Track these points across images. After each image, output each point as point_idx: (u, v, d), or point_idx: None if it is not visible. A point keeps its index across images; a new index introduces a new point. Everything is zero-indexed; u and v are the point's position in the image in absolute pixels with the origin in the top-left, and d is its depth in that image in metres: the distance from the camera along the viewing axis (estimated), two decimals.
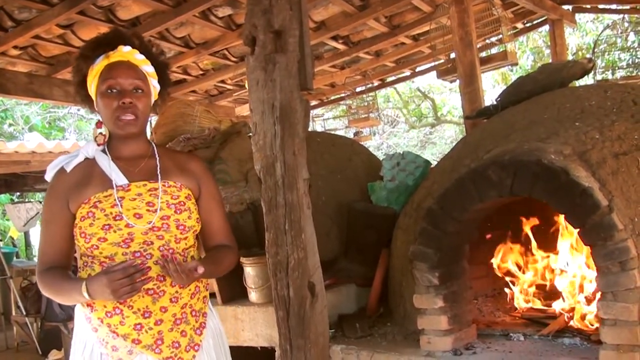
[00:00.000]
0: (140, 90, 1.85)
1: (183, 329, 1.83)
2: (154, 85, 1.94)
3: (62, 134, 13.69)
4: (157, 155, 1.94)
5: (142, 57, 1.90)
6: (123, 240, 1.77)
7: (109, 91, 1.83)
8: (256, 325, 3.25)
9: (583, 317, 2.69)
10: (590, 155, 2.52)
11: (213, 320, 1.99)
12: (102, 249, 1.78)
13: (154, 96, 1.96)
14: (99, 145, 1.90)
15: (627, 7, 6.77)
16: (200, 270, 1.71)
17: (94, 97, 1.90)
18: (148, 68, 1.91)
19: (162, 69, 1.98)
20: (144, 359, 1.79)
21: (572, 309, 2.78)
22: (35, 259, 10.98)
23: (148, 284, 1.75)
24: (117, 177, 1.85)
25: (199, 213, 1.95)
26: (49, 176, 1.92)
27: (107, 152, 1.90)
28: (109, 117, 1.85)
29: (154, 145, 1.98)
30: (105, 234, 1.76)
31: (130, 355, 1.78)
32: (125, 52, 1.86)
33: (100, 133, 1.90)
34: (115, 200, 1.81)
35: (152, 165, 1.91)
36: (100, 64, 1.85)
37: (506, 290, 3.16)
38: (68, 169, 1.88)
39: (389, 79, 8.38)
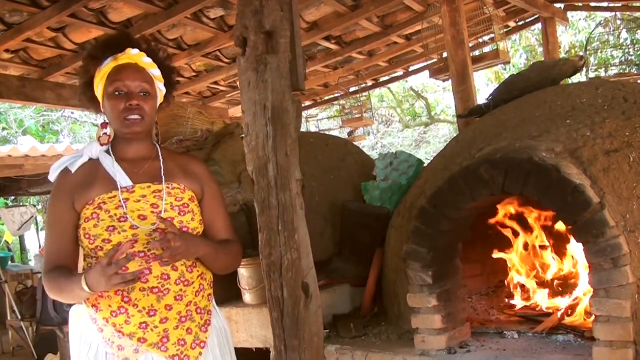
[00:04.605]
0: (147, 93, 1.87)
1: (189, 327, 1.84)
2: (160, 89, 1.95)
3: (56, 137, 13.65)
4: (161, 158, 1.95)
5: (150, 60, 1.91)
6: (127, 241, 1.77)
7: (117, 93, 1.84)
8: (251, 326, 3.24)
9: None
10: (582, 153, 2.53)
11: (217, 319, 1.99)
12: (107, 251, 1.76)
13: (160, 99, 1.97)
14: (102, 145, 1.91)
15: (619, 4, 6.79)
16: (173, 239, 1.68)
17: (100, 99, 1.90)
18: (155, 71, 1.92)
19: (168, 73, 1.99)
20: (150, 357, 1.78)
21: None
22: (30, 263, 10.90)
23: (151, 282, 1.76)
24: (122, 178, 1.86)
25: (202, 215, 1.96)
26: (52, 177, 1.91)
27: (112, 154, 1.91)
28: (116, 118, 1.86)
29: (159, 148, 1.99)
30: (109, 235, 1.77)
31: (136, 354, 1.78)
32: (134, 55, 1.87)
33: (105, 133, 1.90)
34: (120, 201, 1.81)
35: (156, 167, 1.92)
36: (108, 65, 1.86)
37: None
38: (73, 169, 1.88)
39: (383, 79, 8.38)
